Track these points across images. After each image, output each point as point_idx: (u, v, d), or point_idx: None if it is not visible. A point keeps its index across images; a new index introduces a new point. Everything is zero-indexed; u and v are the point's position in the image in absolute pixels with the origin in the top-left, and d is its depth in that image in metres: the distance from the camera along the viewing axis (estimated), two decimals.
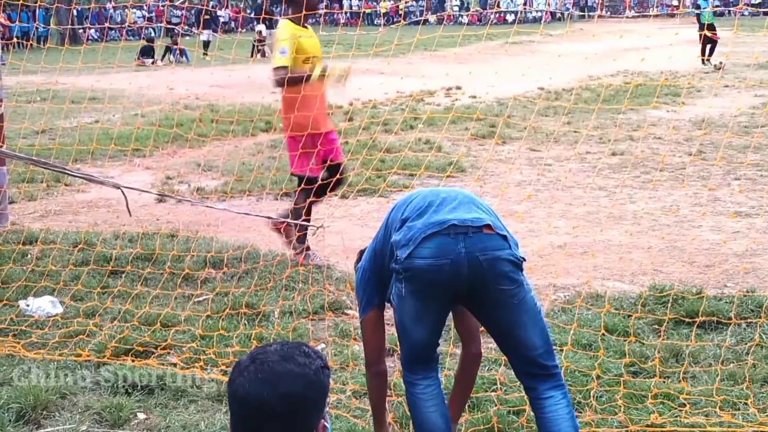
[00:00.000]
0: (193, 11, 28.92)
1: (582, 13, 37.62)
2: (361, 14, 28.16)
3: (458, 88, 16.16)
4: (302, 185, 5.92)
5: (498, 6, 42.98)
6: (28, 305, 5.12)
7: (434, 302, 2.95)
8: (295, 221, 5.85)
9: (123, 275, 5.59)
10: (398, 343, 3.21)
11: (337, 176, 5.87)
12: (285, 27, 5.91)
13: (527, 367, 2.98)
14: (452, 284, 2.86)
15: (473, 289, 2.89)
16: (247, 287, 5.34)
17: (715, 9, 19.22)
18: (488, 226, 2.85)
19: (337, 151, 6.06)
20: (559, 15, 39.00)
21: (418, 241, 2.85)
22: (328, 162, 5.89)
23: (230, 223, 7.06)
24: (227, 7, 41.79)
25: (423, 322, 2.98)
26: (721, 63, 18.41)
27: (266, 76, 6.18)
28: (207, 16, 26.75)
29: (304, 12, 5.84)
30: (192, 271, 5.65)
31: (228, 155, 10.10)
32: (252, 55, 26.75)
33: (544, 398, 2.95)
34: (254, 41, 26.90)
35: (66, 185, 8.63)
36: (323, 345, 4.54)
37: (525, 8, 43.98)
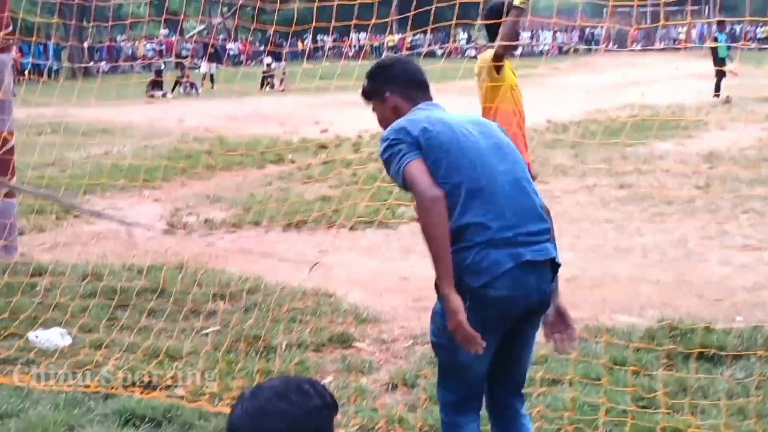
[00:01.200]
0: (202, 44, 29.25)
1: (588, 47, 37.80)
2: (370, 45, 28.35)
3: None
4: None
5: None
6: (37, 337, 5.12)
7: (499, 332, 2.90)
8: None
9: (131, 307, 5.59)
10: (443, 383, 3.04)
11: None
12: (489, 54, 5.88)
13: (515, 389, 3.12)
14: (516, 314, 2.89)
15: (525, 319, 2.94)
16: (253, 319, 5.33)
17: (728, 45, 19.16)
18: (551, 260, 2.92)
19: None
20: (565, 49, 39.15)
21: (495, 275, 2.78)
22: None
23: (238, 255, 7.07)
24: (236, 40, 42.22)
25: (486, 353, 2.85)
26: (728, 97, 18.45)
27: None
28: (212, 50, 26.98)
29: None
30: (199, 303, 5.65)
31: (237, 187, 10.14)
32: (261, 87, 27.01)
33: (522, 415, 3.14)
34: (263, 73, 27.16)
35: (75, 216, 8.66)
36: (329, 378, 4.53)
37: (531, 42, 44.21)
